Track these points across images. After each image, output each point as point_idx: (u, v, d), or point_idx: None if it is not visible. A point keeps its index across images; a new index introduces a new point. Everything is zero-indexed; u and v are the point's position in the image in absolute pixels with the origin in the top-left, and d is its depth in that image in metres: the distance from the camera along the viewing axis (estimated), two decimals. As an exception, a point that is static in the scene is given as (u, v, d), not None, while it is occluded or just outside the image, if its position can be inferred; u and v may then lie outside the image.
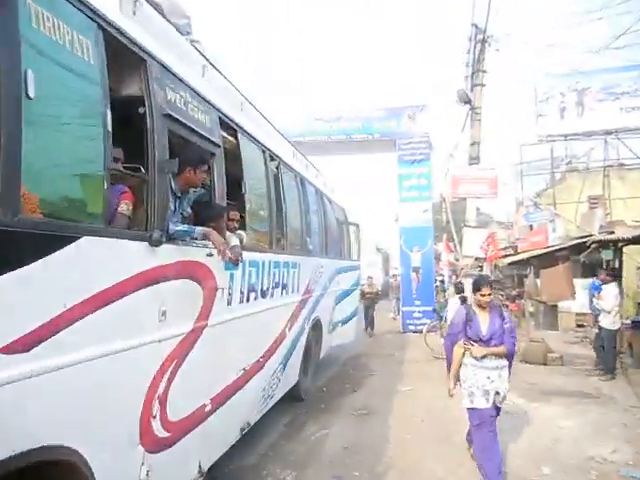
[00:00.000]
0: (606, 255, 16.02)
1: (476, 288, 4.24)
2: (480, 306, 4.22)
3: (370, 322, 14.05)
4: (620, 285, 8.22)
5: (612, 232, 15.15)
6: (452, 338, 4.34)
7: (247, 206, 4.18)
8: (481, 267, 10.51)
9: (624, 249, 10.31)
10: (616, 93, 22.08)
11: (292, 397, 6.29)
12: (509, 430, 5.36)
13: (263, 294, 4.57)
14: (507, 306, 19.00)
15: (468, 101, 10.29)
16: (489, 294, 4.15)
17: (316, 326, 7.08)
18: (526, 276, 26.19)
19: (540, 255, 17.79)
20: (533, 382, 7.58)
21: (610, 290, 7.79)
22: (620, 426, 5.47)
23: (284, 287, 5.28)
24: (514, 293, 22.59)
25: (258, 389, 4.68)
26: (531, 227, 26.19)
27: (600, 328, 7.98)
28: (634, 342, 8.51)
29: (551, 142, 24.22)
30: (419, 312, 14.35)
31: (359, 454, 4.78)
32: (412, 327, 14.37)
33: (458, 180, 10.50)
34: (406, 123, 14.52)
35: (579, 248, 16.33)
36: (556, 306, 10.37)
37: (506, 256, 18.49)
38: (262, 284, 4.52)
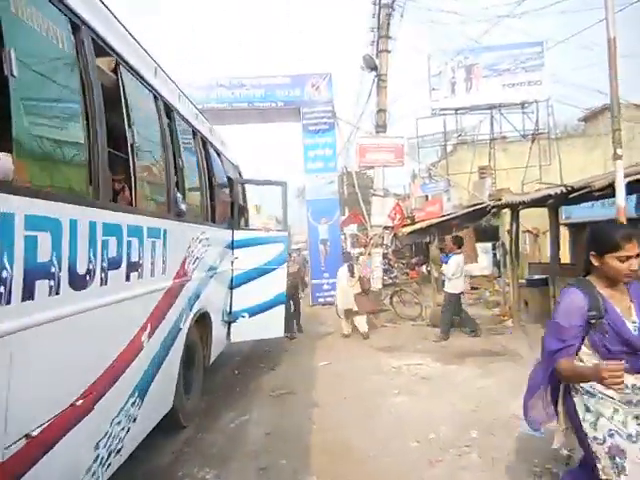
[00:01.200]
0: (494, 222, 17.36)
1: (612, 245, 2.23)
2: (613, 284, 2.30)
3: (292, 316, 9.73)
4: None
5: (500, 199, 16.47)
6: (551, 361, 2.28)
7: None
8: (383, 237, 10.65)
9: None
10: (499, 70, 23.70)
11: (168, 426, 4.39)
12: (430, 395, 5.35)
13: (86, 282, 2.56)
14: (407, 274, 19.96)
15: (374, 67, 10.10)
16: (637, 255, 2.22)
17: (202, 321, 5.25)
18: (425, 244, 27.83)
19: (440, 222, 18.83)
20: (443, 345, 7.81)
21: (453, 259, 8.50)
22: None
23: (134, 267, 3.23)
24: (413, 261, 23.82)
25: (79, 452, 2.64)
26: (427, 197, 27.66)
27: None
28: (529, 299, 9.14)
29: (443, 116, 25.59)
30: (328, 284, 14.32)
31: (284, 440, 4.42)
32: (322, 300, 14.33)
33: (365, 149, 10.35)
34: (310, 91, 14.11)
35: (475, 215, 17.55)
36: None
37: (405, 225, 19.24)
38: (83, 263, 2.53)
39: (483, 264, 11.55)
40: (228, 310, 6.41)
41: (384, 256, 13.11)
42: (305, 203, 14.99)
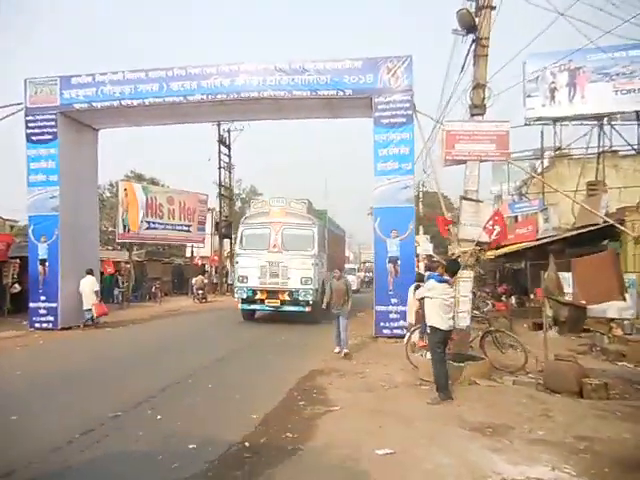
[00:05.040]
0: (612, 247, 13.71)
1: None
2: None
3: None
4: None
5: (622, 220, 12.92)
6: None
7: None
8: (477, 257, 7.86)
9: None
10: (611, 74, 20.13)
11: None
12: None
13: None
14: (493, 305, 16.60)
15: (472, 27, 7.47)
16: None
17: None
18: (513, 271, 24.04)
19: (538, 246, 15.47)
20: (585, 435, 4.78)
21: (432, 284, 6.57)
22: None
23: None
24: (500, 290, 20.26)
25: None
26: (516, 219, 23.97)
27: None
28: None
29: (540, 126, 22.15)
30: (396, 313, 11.60)
31: None
32: (387, 331, 11.64)
33: (453, 138, 7.66)
34: (385, 78, 11.66)
35: (586, 238, 14.07)
36: (584, 309, 7.72)
37: (495, 249, 16.08)
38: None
39: (624, 304, 8.34)
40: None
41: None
42: (373, 213, 12.50)
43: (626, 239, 12.29)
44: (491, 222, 7.62)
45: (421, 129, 11.62)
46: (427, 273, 11.89)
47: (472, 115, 7.88)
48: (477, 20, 7.51)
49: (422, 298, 6.72)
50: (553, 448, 4.35)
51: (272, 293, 13.97)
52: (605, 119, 20.72)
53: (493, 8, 7.56)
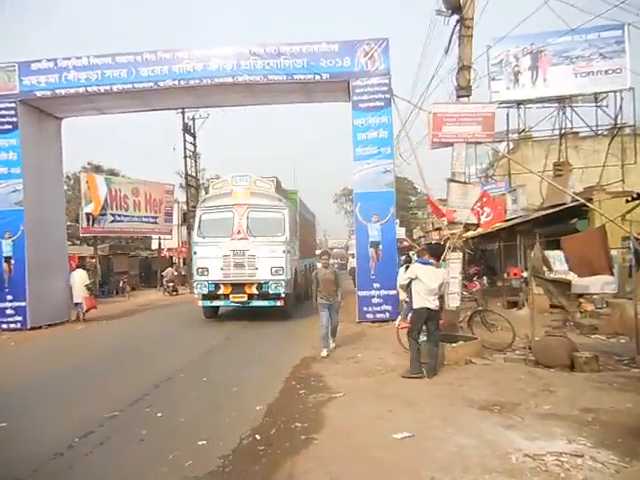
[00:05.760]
0: (581, 226, 14.22)
1: None
2: None
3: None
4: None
5: (590, 198, 13.39)
6: None
7: None
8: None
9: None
10: (571, 57, 20.65)
11: None
12: None
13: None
14: (465, 286, 16.98)
15: (457, 7, 7.44)
16: None
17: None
18: (482, 252, 24.62)
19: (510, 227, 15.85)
20: (589, 407, 4.90)
21: (418, 267, 6.85)
22: None
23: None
24: (471, 271, 20.72)
25: None
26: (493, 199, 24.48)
27: None
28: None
29: (505, 109, 22.56)
30: (378, 297, 11.69)
31: None
32: (370, 316, 11.70)
33: (441, 119, 7.66)
34: (362, 61, 11.54)
35: (554, 217, 14.51)
36: (569, 285, 7.96)
37: (467, 230, 16.38)
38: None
39: (606, 279, 8.65)
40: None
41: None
42: (353, 198, 12.44)
43: (594, 217, 12.76)
44: (479, 204, 7.71)
45: (399, 113, 11.62)
46: (401, 258, 12.07)
47: (458, 97, 7.89)
48: (462, 0, 7.49)
49: (410, 281, 6.79)
50: (563, 422, 4.45)
51: (238, 286, 12.13)
52: (566, 101, 21.29)
53: (477, -12, 7.56)
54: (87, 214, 21.54)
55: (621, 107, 19.18)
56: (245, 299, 12.29)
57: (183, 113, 28.87)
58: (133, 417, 5.38)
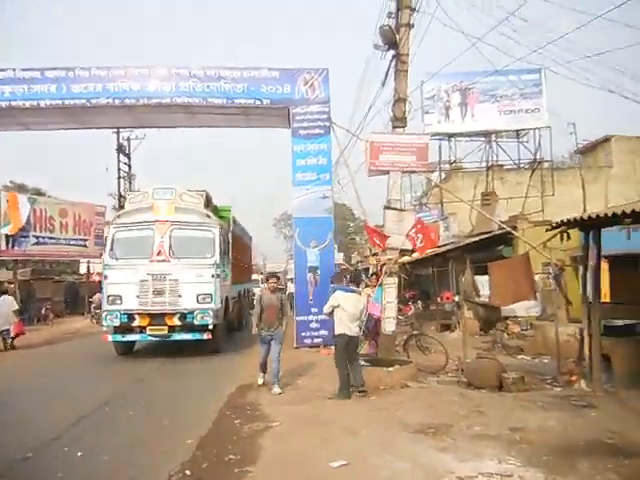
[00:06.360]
0: (507, 252, 15.09)
1: None
2: None
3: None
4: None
5: (515, 227, 14.29)
6: None
7: None
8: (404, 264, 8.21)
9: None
10: (496, 96, 22.18)
11: None
12: None
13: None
14: (400, 309, 17.42)
15: (393, 43, 7.82)
16: None
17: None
18: (416, 277, 25.38)
19: (444, 253, 16.49)
20: (514, 426, 5.09)
21: (341, 294, 7.06)
22: None
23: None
24: (407, 295, 21.29)
25: None
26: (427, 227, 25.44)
27: None
28: (612, 354, 6.61)
29: (438, 141, 23.73)
30: (316, 322, 11.66)
31: None
32: (308, 341, 11.65)
33: (378, 148, 7.93)
34: (303, 89, 11.78)
35: (484, 244, 15.31)
36: (498, 309, 8.36)
37: (402, 256, 16.88)
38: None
39: (530, 303, 9.15)
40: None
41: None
42: (293, 223, 12.48)
43: (518, 244, 13.61)
44: (414, 230, 7.97)
45: (338, 141, 11.91)
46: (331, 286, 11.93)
47: (394, 128, 8.23)
48: (398, 37, 7.88)
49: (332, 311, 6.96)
50: (493, 442, 4.59)
51: (157, 317, 10.34)
52: (492, 136, 22.76)
53: (412, 26, 7.99)
54: (5, 235, 20.01)
55: (540, 143, 20.73)
56: (165, 332, 10.43)
57: (118, 133, 28.04)
58: (49, 458, 4.91)
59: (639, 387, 6.10)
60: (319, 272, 11.71)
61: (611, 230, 6.97)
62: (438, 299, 16.91)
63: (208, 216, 11.20)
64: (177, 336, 10.52)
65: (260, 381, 7.71)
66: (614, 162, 22.08)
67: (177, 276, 10.40)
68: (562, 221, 6.41)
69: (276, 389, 7.22)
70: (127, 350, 11.27)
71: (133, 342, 11.28)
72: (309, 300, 11.73)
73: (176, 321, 10.36)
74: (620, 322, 7.00)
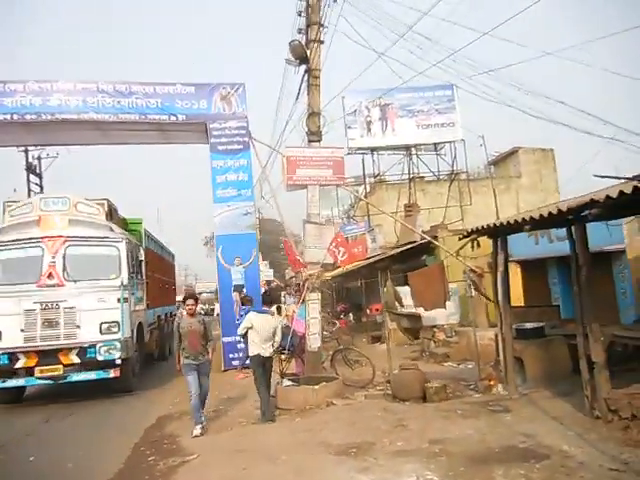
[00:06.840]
0: (429, 261, 15.59)
1: None
2: None
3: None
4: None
5: (435, 236, 14.80)
6: None
7: None
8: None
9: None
10: (413, 111, 23.11)
11: None
12: None
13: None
14: (334, 324, 17.42)
15: (304, 58, 7.83)
16: None
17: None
18: (346, 290, 25.60)
19: (372, 264, 16.70)
20: (437, 438, 5.09)
21: (253, 315, 7.10)
22: None
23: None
24: (339, 309, 21.36)
25: None
26: (347, 240, 25.76)
27: None
28: (524, 357, 6.88)
29: (361, 155, 24.29)
30: (244, 343, 11.27)
31: None
32: (236, 362, 11.21)
33: (294, 163, 7.86)
34: (219, 104, 11.52)
35: (408, 254, 15.68)
36: (420, 318, 8.49)
37: (325, 271, 16.92)
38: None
39: (450, 310, 9.38)
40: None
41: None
42: (215, 241, 12.08)
43: (440, 252, 14.08)
44: (334, 244, 7.95)
45: (258, 156, 11.73)
46: (243, 307, 11.34)
47: (309, 142, 8.21)
48: (308, 52, 7.91)
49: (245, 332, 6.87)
50: (413, 457, 4.55)
51: (48, 355, 8.61)
52: (412, 149, 23.62)
53: (322, 42, 8.06)
54: None
55: (455, 156, 21.79)
56: (60, 372, 8.66)
57: (26, 152, 26.10)
58: None
59: (549, 387, 6.39)
60: (245, 290, 11.38)
61: (521, 236, 7.35)
62: (368, 311, 17.08)
63: (111, 229, 9.73)
64: (75, 376, 8.77)
65: (197, 431, 6.30)
66: (522, 172, 23.63)
67: (74, 303, 8.79)
68: (472, 229, 6.65)
69: (197, 430, 6.29)
70: (13, 398, 9.23)
71: (22, 388, 9.23)
72: (236, 320, 11.33)
73: (73, 358, 8.68)
74: (530, 325, 7.34)
